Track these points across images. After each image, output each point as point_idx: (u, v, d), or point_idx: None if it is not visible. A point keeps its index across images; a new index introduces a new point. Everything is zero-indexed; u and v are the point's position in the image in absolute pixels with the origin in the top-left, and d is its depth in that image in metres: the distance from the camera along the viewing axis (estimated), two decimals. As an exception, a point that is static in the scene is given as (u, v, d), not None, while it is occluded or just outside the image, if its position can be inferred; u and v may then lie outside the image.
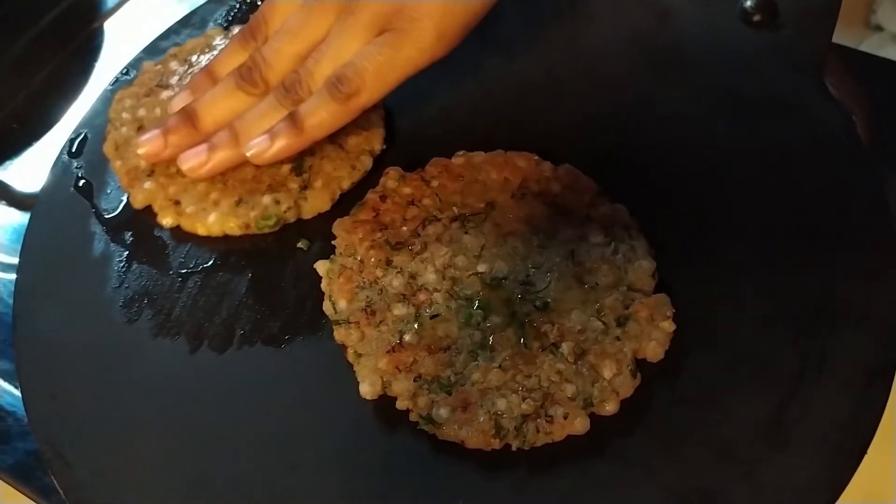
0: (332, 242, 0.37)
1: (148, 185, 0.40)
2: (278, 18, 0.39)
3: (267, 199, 0.38)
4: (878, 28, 0.63)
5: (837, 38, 0.62)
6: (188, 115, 0.38)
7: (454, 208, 0.37)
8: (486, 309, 0.34)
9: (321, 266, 0.37)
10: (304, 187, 0.39)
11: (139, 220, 0.40)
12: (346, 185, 0.40)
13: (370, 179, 0.40)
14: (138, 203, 0.40)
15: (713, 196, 0.38)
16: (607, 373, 0.32)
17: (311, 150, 0.40)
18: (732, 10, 0.45)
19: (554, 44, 0.45)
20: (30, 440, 0.38)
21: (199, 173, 0.38)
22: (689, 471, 0.30)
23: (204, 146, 0.38)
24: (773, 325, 0.34)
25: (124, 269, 0.38)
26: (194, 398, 0.34)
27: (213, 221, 0.38)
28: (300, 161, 0.40)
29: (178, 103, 0.40)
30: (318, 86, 0.37)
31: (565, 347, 0.33)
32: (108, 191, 0.41)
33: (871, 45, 0.64)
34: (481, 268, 0.35)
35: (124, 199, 0.41)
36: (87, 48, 0.59)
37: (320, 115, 0.37)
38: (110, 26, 0.61)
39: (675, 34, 0.45)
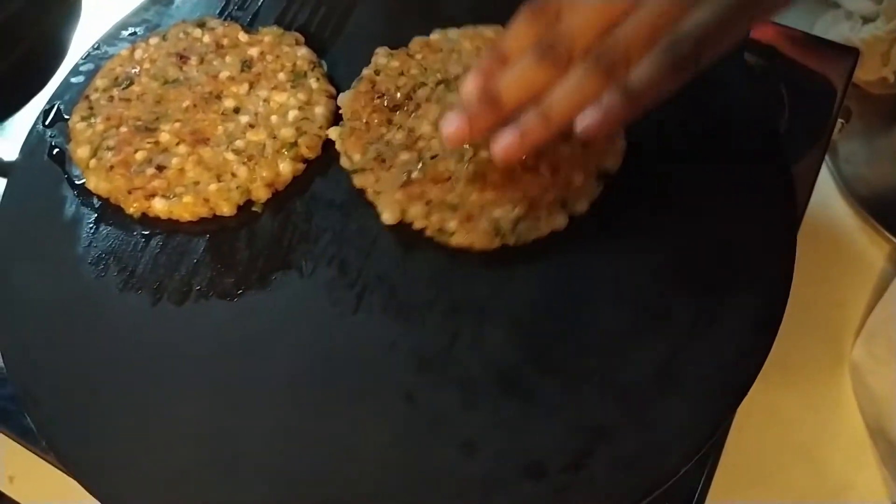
0: (339, 112, 0.44)
1: None
2: None
3: None
4: (835, 5, 0.66)
5: (795, 13, 0.65)
6: (490, 98, 0.35)
7: (438, 74, 0.43)
8: (475, 146, 0.40)
9: (334, 131, 0.43)
10: None
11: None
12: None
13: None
14: None
15: (641, 165, 0.41)
16: (578, 181, 0.39)
17: None
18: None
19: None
20: (8, 386, 0.42)
21: (512, 157, 0.36)
22: (588, 410, 0.34)
23: (514, 131, 0.35)
24: (675, 280, 0.37)
25: (93, 231, 0.42)
26: (154, 345, 0.38)
27: None
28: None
29: (470, 86, 0.36)
30: (639, 54, 0.32)
31: (543, 166, 0.39)
32: (80, 158, 0.45)
33: (826, 21, 0.66)
34: None
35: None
36: (65, 20, 0.62)
37: (656, 83, 0.33)
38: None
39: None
